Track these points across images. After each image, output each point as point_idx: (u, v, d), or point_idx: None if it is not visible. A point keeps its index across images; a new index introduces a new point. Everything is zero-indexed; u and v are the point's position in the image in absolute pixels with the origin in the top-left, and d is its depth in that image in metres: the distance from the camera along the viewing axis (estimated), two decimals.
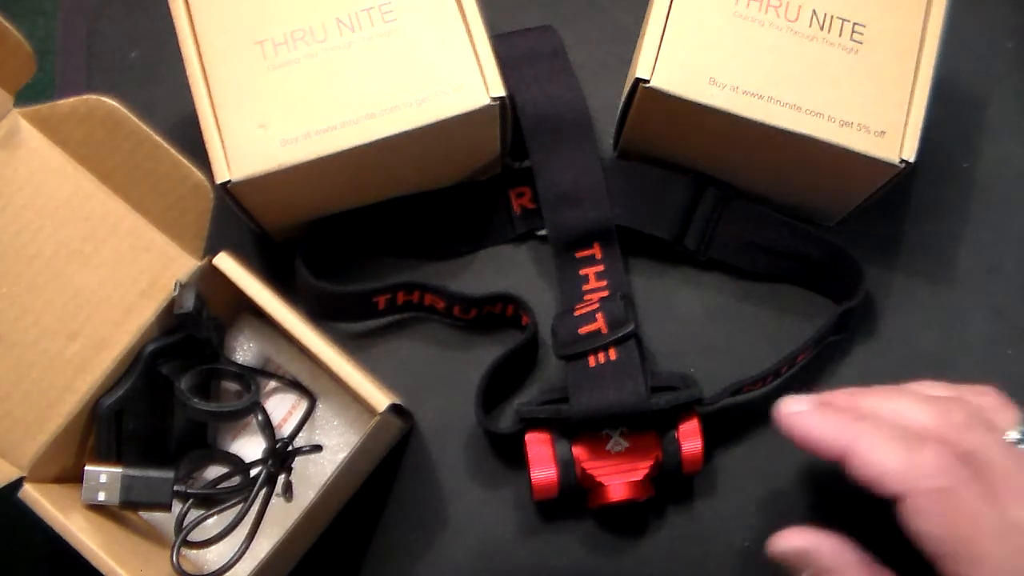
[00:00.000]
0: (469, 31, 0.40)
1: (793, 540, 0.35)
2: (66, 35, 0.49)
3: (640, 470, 0.40)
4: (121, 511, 0.40)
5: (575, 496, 0.41)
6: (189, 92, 0.39)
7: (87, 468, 0.39)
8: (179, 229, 0.39)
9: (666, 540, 0.43)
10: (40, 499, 0.37)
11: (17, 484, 0.37)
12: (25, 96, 0.50)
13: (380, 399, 0.38)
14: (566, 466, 0.40)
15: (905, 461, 0.33)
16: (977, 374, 0.44)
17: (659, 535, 0.43)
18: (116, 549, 0.37)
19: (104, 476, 0.39)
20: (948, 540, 0.32)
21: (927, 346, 0.45)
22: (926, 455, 0.33)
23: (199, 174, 0.38)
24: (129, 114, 0.38)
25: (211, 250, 0.40)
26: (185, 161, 0.38)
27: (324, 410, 0.43)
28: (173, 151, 0.38)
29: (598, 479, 0.40)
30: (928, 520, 0.32)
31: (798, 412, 0.36)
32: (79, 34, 0.49)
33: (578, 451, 0.40)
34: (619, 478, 0.40)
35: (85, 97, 0.38)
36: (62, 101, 0.38)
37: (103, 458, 0.40)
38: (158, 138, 0.38)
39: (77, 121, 0.38)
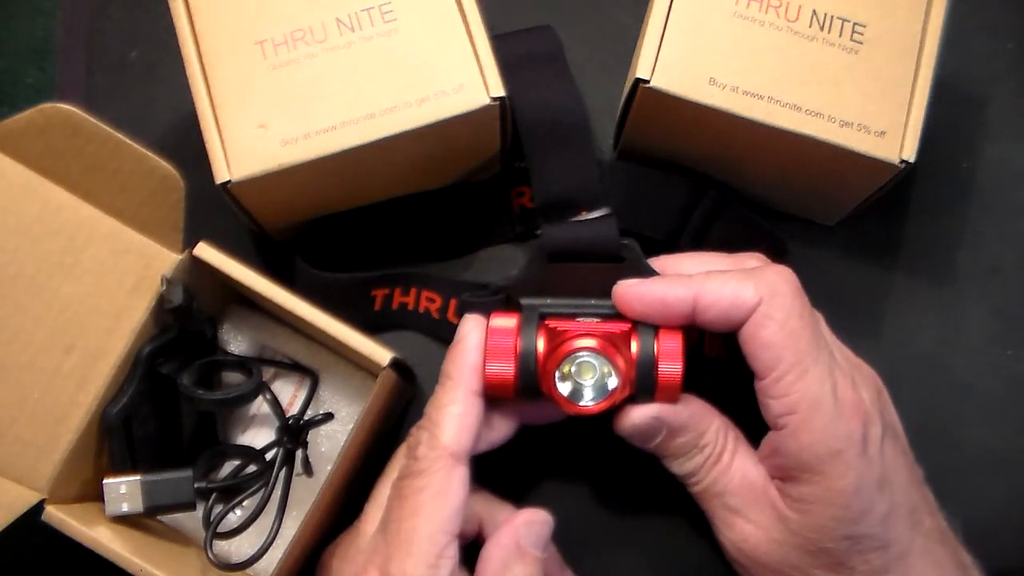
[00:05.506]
0: (469, 31, 0.40)
1: (643, 413, 0.36)
2: (66, 35, 0.49)
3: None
4: (145, 519, 0.40)
5: (534, 383, 0.36)
6: (189, 92, 0.39)
7: (106, 481, 0.39)
8: (155, 225, 0.39)
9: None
10: (65, 518, 0.36)
11: (38, 509, 0.36)
12: (25, 96, 0.50)
13: (383, 354, 0.38)
14: (527, 352, 0.36)
15: (752, 279, 0.35)
16: (977, 374, 0.45)
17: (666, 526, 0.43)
18: (151, 555, 0.36)
19: (124, 486, 0.39)
20: (787, 347, 0.34)
21: (927, 346, 0.45)
22: (771, 270, 0.36)
23: (166, 165, 0.38)
24: (86, 116, 0.37)
25: None
26: (150, 154, 0.38)
27: (328, 385, 0.44)
28: (137, 146, 0.37)
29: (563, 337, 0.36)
30: (772, 326, 0.34)
31: (639, 283, 0.36)
32: (79, 34, 0.49)
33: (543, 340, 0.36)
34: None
35: (40, 107, 0.37)
36: (17, 116, 0.37)
37: (118, 468, 0.39)
38: (120, 136, 0.37)
39: (36, 133, 0.37)
